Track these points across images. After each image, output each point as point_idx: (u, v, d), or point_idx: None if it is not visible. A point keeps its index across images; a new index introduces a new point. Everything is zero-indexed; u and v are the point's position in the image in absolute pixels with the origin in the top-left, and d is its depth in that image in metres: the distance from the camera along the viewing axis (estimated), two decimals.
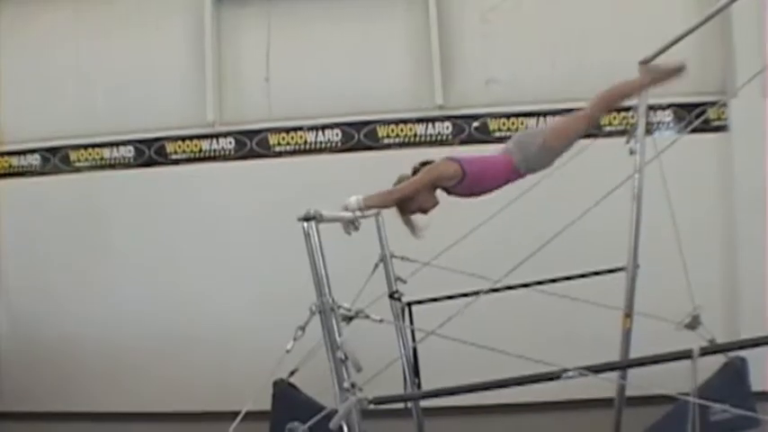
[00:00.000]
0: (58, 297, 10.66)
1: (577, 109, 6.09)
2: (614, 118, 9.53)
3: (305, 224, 3.68)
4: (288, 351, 3.88)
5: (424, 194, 5.30)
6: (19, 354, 10.61)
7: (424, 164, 5.46)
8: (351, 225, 4.84)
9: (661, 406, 7.65)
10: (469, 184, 5.38)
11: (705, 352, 3.48)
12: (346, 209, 4.77)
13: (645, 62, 6.35)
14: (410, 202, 5.32)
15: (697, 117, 9.17)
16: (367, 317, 3.89)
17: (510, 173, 5.57)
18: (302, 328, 3.82)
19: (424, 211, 5.40)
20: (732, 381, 7.66)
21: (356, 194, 4.91)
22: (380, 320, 4.00)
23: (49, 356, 10.56)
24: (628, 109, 8.55)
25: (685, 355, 3.45)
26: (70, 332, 10.54)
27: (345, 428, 3.68)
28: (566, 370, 3.43)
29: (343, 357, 3.60)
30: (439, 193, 5.42)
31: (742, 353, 8.13)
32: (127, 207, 10.49)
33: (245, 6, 10.42)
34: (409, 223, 5.44)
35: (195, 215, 10.27)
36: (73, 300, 10.61)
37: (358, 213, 4.85)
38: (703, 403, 3.73)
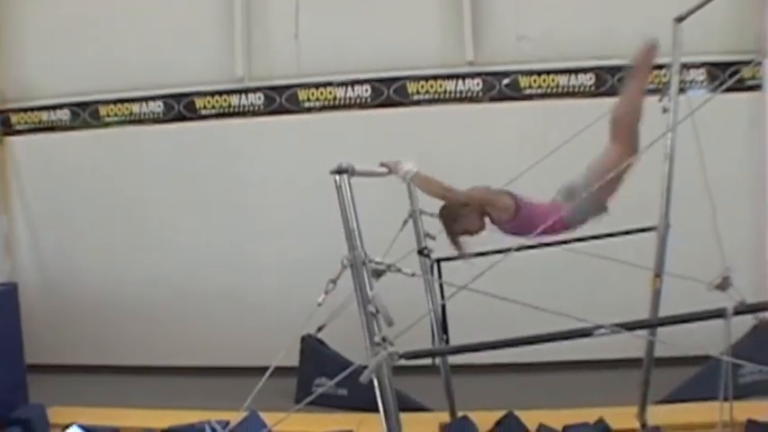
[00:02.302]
0: (86, 252, 10.77)
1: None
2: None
3: (337, 177, 3.66)
4: (319, 304, 3.87)
5: (472, 216, 5.16)
6: (47, 308, 10.73)
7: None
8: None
9: (687, 367, 7.70)
10: (518, 223, 5.19)
11: (739, 311, 3.43)
12: (397, 171, 4.73)
13: (680, 20, 6.26)
14: (456, 221, 5.19)
15: (731, 76, 9.05)
16: (399, 270, 3.87)
17: (556, 226, 5.31)
18: (333, 281, 3.80)
19: (470, 234, 5.26)
20: (762, 343, 7.64)
21: (410, 164, 4.87)
22: (413, 274, 3.98)
23: (78, 311, 10.70)
24: (661, 67, 8.46)
25: (718, 313, 3.41)
26: (98, 288, 10.67)
27: (375, 383, 3.68)
28: (599, 326, 3.41)
29: (374, 311, 3.59)
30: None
31: None
32: (155, 162, 10.54)
33: None
34: (456, 243, 5.32)
35: (224, 171, 10.30)
36: (101, 255, 10.72)
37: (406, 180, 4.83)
38: (737, 362, 3.68)
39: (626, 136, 5.31)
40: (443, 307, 7.00)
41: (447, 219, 5.18)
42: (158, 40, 10.44)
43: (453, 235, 5.24)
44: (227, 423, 5.79)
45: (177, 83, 10.41)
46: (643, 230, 6.62)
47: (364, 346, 3.69)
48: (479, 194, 5.15)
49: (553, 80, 9.65)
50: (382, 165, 5.08)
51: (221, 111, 10.37)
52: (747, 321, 7.77)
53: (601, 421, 6.74)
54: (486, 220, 5.27)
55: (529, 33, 9.71)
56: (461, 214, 5.09)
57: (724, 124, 8.66)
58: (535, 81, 9.67)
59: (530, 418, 6.98)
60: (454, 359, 7.24)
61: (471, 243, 5.31)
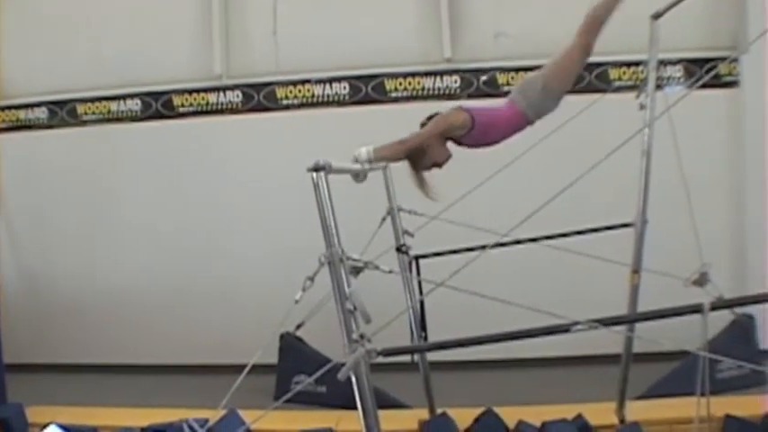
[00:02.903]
0: (65, 250, 10.72)
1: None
2: (624, 73, 9.48)
3: (314, 174, 3.64)
4: (297, 302, 3.86)
5: (436, 147, 5.05)
6: (25, 307, 10.66)
7: (431, 117, 5.30)
8: (359, 176, 4.76)
9: (666, 363, 7.74)
10: (478, 134, 5.16)
11: (715, 306, 3.46)
12: (356, 160, 4.67)
13: (657, 16, 6.29)
14: (422, 158, 5.08)
15: (708, 72, 9.09)
16: (377, 268, 3.87)
17: (518, 122, 5.36)
18: (311, 279, 3.79)
19: (439, 166, 5.16)
20: (740, 338, 7.72)
21: (364, 147, 4.81)
22: (390, 271, 3.97)
23: (56, 310, 10.63)
24: (638, 64, 8.51)
25: (695, 309, 3.43)
26: (76, 286, 10.61)
27: (353, 380, 3.68)
28: (576, 323, 3.42)
29: (352, 308, 3.58)
30: (451, 147, 5.25)
31: (750, 311, 8.20)
32: (134, 160, 10.50)
33: None
34: (423, 183, 5.22)
35: (202, 168, 10.27)
36: (79, 254, 10.68)
37: (367, 165, 4.74)
38: (714, 358, 3.70)
39: (594, 31, 5.52)
40: (422, 304, 7.01)
41: (414, 159, 5.11)
42: (136, 37, 10.39)
43: (422, 171, 5.17)
44: (206, 421, 5.79)
45: (155, 81, 10.37)
46: (620, 226, 6.65)
47: (342, 344, 3.68)
48: (436, 126, 5.08)
49: None
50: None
51: (199, 108, 10.34)
52: (725, 317, 7.84)
53: (580, 417, 6.75)
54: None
55: (507, 30, 9.73)
56: (425, 149, 5.05)
57: (701, 121, 8.75)
58: (513, 78, 9.67)
59: (509, 414, 6.98)
60: (433, 356, 7.25)
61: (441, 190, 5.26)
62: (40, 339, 10.60)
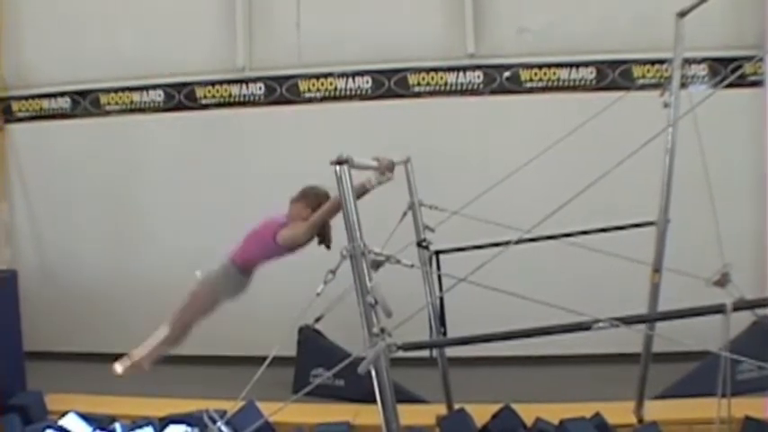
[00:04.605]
0: (85, 240, 10.77)
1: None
2: (648, 71, 9.42)
3: (337, 168, 3.65)
4: (318, 294, 3.86)
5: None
6: (45, 295, 10.71)
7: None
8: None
9: (685, 363, 7.69)
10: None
11: (738, 307, 3.44)
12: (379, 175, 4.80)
13: (682, 14, 6.25)
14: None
15: (733, 72, 9.03)
16: (398, 261, 3.87)
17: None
18: (333, 272, 3.80)
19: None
20: (760, 340, 7.63)
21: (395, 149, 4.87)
22: (411, 265, 3.97)
23: (76, 299, 10.67)
24: (663, 62, 8.46)
25: (718, 309, 3.41)
26: (96, 275, 10.65)
27: (373, 374, 3.68)
28: (597, 320, 3.40)
29: (372, 302, 3.58)
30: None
31: None
32: (155, 151, 10.53)
33: None
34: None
35: (223, 160, 10.28)
36: (99, 243, 10.73)
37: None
38: (736, 359, 3.67)
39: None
40: (441, 299, 6.99)
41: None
42: (160, 28, 10.41)
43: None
44: (225, 412, 5.79)
45: (178, 72, 10.39)
46: (643, 225, 6.61)
47: (362, 338, 3.68)
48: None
49: (554, 73, 9.64)
50: (374, 159, 5.09)
51: (222, 100, 10.35)
52: (745, 318, 7.78)
53: (598, 416, 6.73)
54: None
55: (530, 26, 9.69)
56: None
57: (725, 120, 8.66)
58: (536, 74, 9.66)
59: (526, 411, 6.97)
60: (452, 351, 7.25)
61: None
62: (60, 328, 10.65)
